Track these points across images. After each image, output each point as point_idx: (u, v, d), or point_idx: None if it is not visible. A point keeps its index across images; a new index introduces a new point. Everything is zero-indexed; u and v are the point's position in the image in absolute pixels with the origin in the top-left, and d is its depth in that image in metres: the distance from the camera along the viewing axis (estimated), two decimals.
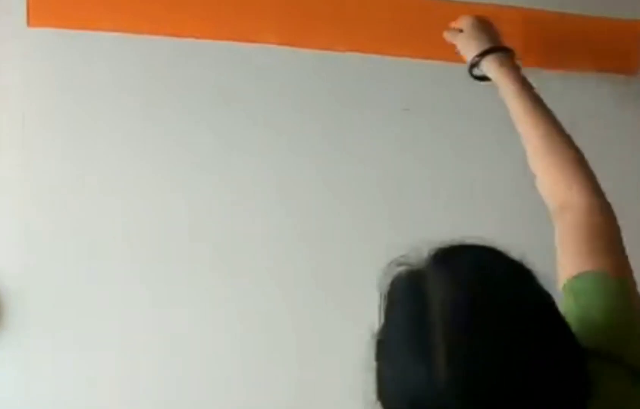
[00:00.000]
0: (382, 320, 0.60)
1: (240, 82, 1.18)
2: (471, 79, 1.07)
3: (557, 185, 0.88)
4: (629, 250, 1.28)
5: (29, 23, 1.14)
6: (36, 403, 1.19)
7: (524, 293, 0.59)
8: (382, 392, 0.58)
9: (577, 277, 0.75)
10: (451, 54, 1.21)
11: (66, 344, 1.20)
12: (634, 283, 0.77)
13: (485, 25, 1.08)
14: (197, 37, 1.16)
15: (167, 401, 1.22)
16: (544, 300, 0.59)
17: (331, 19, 1.19)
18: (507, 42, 1.22)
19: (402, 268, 0.61)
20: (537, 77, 1.24)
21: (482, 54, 1.03)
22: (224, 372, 1.21)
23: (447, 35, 1.12)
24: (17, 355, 1.18)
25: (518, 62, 1.03)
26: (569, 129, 1.25)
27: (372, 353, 0.60)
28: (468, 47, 1.07)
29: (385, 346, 0.59)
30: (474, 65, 1.05)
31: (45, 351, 1.20)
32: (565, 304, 0.71)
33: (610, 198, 1.28)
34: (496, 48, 1.04)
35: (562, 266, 0.78)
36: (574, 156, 0.89)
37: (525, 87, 0.97)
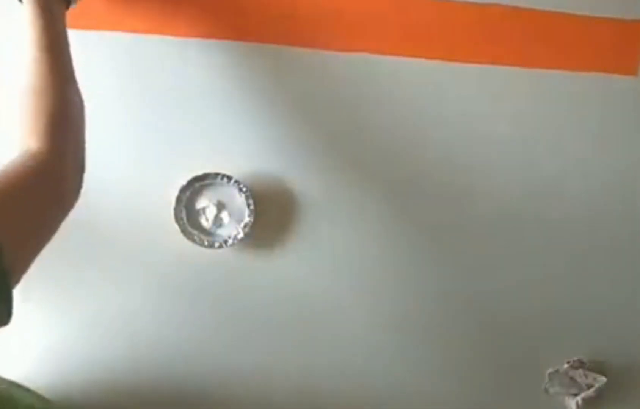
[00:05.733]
0: None
1: (239, 81, 1.18)
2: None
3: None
4: (630, 247, 1.28)
5: None
6: None
7: None
8: None
9: None
10: (451, 54, 1.22)
11: None
12: None
13: None
14: (196, 37, 1.16)
15: None
16: None
17: (331, 19, 1.19)
18: (507, 42, 1.22)
19: None
20: (537, 77, 1.25)
21: None
22: None
23: None
24: None
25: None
26: (569, 129, 1.26)
27: None
28: None
29: None
30: None
31: None
32: None
33: (610, 197, 1.29)
34: None
35: None
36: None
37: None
